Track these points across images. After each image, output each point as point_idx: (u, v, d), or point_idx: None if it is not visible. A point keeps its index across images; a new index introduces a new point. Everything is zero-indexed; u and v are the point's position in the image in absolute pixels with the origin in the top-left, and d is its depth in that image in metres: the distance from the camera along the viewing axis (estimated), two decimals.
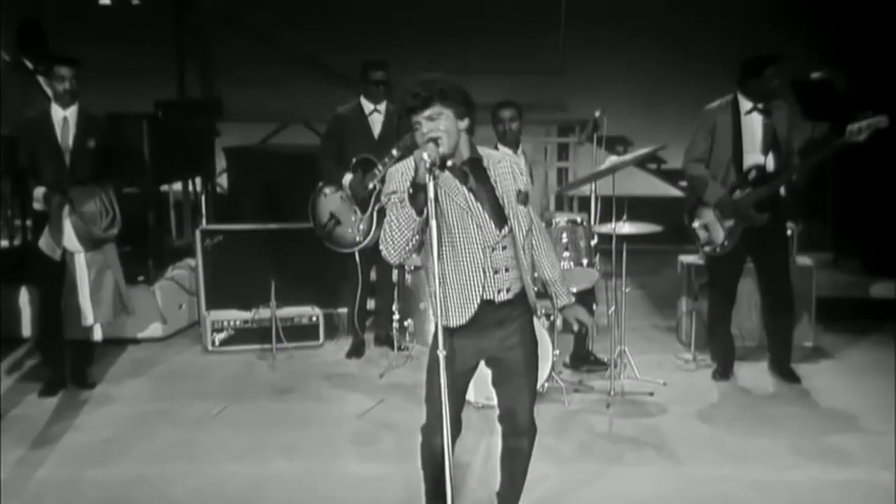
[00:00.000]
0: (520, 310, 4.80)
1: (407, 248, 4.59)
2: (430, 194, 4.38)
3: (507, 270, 4.69)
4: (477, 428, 6.38)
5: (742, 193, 7.38)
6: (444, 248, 4.65)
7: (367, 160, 7.96)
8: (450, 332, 4.68)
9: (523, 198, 4.74)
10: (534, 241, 4.87)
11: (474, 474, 6.01)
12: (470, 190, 4.65)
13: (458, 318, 4.70)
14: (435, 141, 4.51)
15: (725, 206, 7.41)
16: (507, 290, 4.70)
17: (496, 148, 7.70)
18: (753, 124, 7.40)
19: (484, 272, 4.66)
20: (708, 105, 7.59)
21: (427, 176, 4.38)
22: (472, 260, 4.66)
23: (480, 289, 4.67)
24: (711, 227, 7.53)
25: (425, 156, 4.39)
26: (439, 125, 4.55)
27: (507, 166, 4.76)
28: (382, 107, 8.21)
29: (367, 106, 8.21)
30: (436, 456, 4.92)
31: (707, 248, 7.63)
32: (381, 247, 4.64)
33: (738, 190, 7.41)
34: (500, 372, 4.87)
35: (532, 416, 4.95)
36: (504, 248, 4.68)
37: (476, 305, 4.68)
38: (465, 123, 4.63)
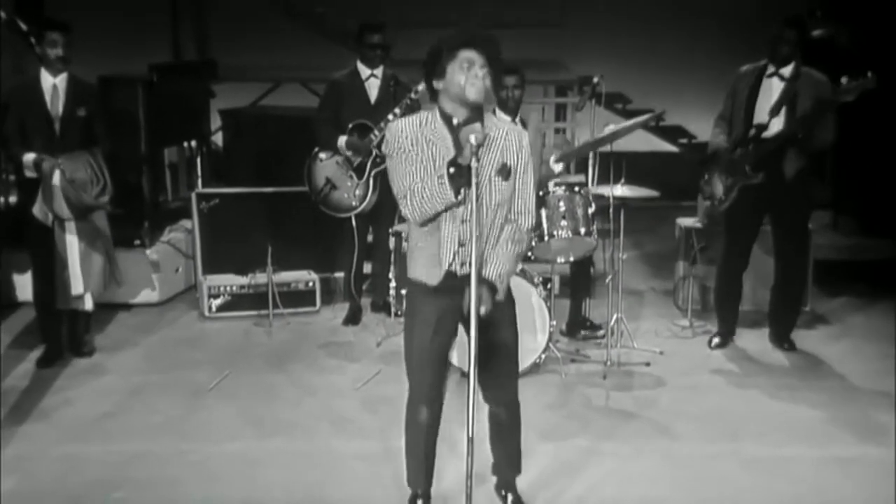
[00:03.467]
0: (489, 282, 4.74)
1: (434, 217, 4.64)
2: (475, 178, 4.36)
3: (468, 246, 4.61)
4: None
5: (742, 151, 7.37)
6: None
7: (364, 125, 7.93)
8: (424, 291, 4.75)
9: (505, 172, 4.65)
10: (508, 214, 4.81)
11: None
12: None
13: (430, 279, 4.75)
14: (482, 122, 4.54)
15: (725, 162, 7.45)
16: (469, 265, 4.58)
17: (494, 113, 7.68)
18: (772, 88, 7.38)
19: (452, 240, 4.68)
20: (742, 67, 7.59)
21: (472, 158, 4.35)
22: (450, 229, 4.68)
23: (448, 260, 4.70)
24: (714, 182, 7.58)
25: (472, 138, 4.35)
26: (487, 82, 4.57)
27: (501, 135, 4.71)
28: (379, 71, 8.14)
29: (364, 71, 8.14)
30: (422, 431, 5.01)
31: (707, 204, 7.68)
32: (402, 208, 4.65)
33: (739, 148, 7.40)
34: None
35: (515, 392, 5.01)
36: (465, 221, 4.62)
37: (442, 273, 4.72)
38: (489, 78, 4.62)
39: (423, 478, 5.19)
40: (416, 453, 5.13)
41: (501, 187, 4.69)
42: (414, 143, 4.64)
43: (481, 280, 4.67)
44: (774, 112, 7.31)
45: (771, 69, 7.39)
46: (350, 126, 8.00)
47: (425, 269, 4.77)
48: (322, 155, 8.14)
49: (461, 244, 4.69)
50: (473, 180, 4.35)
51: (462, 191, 4.50)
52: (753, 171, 7.33)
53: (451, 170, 4.49)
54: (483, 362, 4.79)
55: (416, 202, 4.59)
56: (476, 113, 4.63)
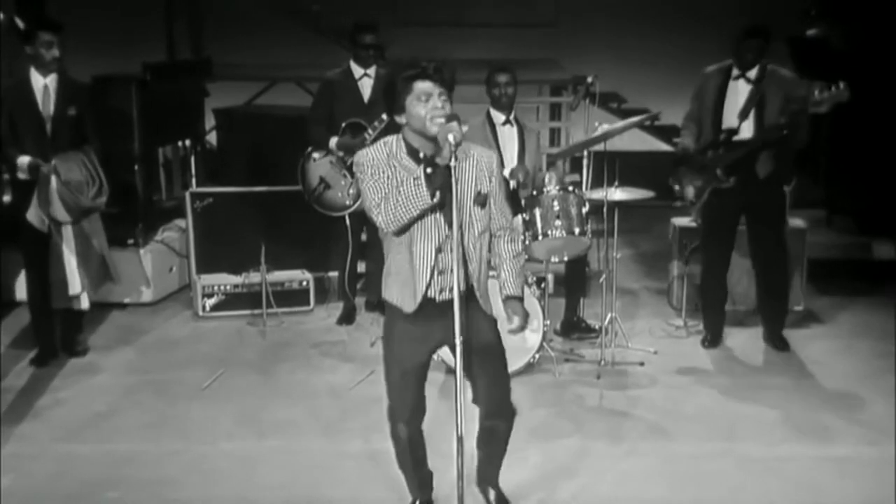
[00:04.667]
0: (470, 302, 4.72)
1: (407, 223, 4.55)
2: (454, 176, 4.32)
3: (452, 272, 4.51)
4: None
5: (713, 155, 7.39)
6: (400, 239, 4.63)
7: (357, 124, 7.93)
8: (401, 315, 4.72)
9: (482, 199, 4.65)
10: (493, 244, 4.83)
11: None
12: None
13: (405, 306, 4.70)
14: (458, 120, 4.43)
15: (695, 165, 7.48)
16: (449, 291, 4.61)
17: (489, 112, 7.70)
18: (739, 90, 7.39)
19: (431, 270, 4.63)
20: (707, 68, 7.58)
21: (451, 158, 4.30)
22: (423, 253, 4.62)
23: (424, 286, 4.64)
24: (684, 185, 7.59)
25: (451, 137, 4.30)
26: (447, 108, 4.50)
27: (472, 164, 4.67)
28: (372, 70, 8.14)
29: (357, 70, 8.14)
30: (405, 447, 5.01)
31: (678, 204, 7.72)
32: (376, 216, 4.56)
33: (710, 151, 7.44)
34: (466, 357, 4.74)
35: (508, 399, 4.97)
36: (451, 250, 4.52)
37: (419, 300, 4.66)
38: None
39: (418, 488, 5.20)
40: (406, 467, 5.14)
41: (480, 215, 4.68)
42: (384, 168, 4.58)
43: (512, 298, 4.79)
44: (743, 115, 7.32)
45: (737, 71, 7.39)
46: (343, 125, 7.99)
47: (399, 294, 4.71)
48: (315, 154, 8.13)
49: (440, 272, 4.65)
50: (454, 186, 4.30)
51: (437, 195, 4.42)
52: (725, 176, 7.36)
53: (429, 170, 4.43)
54: (474, 372, 4.83)
55: (391, 206, 4.49)
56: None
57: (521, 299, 4.91)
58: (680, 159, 7.64)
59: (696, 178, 7.50)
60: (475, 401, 4.96)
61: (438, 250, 4.62)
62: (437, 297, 4.68)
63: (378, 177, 4.57)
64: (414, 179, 4.45)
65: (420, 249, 4.62)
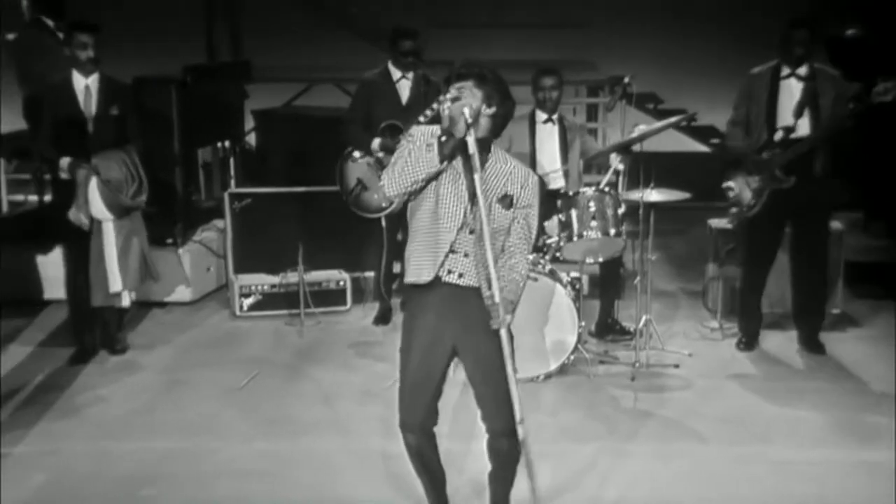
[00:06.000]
0: (477, 301, 4.70)
1: (409, 188, 4.63)
2: (472, 149, 4.47)
3: (465, 256, 4.67)
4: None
5: (769, 155, 7.36)
6: (428, 208, 4.70)
7: (394, 126, 7.95)
8: (417, 306, 4.76)
9: (507, 202, 4.71)
10: (505, 245, 4.79)
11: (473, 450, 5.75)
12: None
13: (417, 277, 4.73)
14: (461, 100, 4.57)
15: (751, 166, 7.42)
16: (459, 276, 4.68)
17: (533, 113, 7.73)
18: (791, 89, 7.36)
19: (450, 246, 4.68)
20: (752, 69, 7.56)
21: (465, 130, 4.46)
22: (444, 231, 4.68)
23: (439, 261, 4.68)
24: (740, 188, 7.52)
25: (466, 111, 4.47)
26: (465, 95, 4.59)
27: (508, 171, 4.74)
28: (410, 74, 8.18)
29: (395, 72, 8.19)
30: (416, 454, 4.98)
31: (734, 210, 7.64)
32: (383, 177, 4.67)
33: (765, 151, 7.39)
34: (470, 370, 4.84)
35: (508, 420, 4.75)
36: (470, 231, 4.66)
37: (432, 273, 4.69)
38: (491, 110, 4.66)
39: (433, 496, 5.18)
40: (419, 472, 5.10)
41: (500, 215, 4.71)
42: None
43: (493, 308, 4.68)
44: (798, 113, 7.28)
45: (786, 70, 7.36)
46: (381, 127, 8.02)
47: (417, 266, 4.73)
48: (356, 154, 8.16)
49: (453, 251, 4.69)
50: (473, 150, 4.45)
51: (445, 163, 4.56)
52: (786, 175, 7.32)
53: (443, 138, 4.54)
54: (478, 391, 4.83)
55: (398, 166, 4.60)
56: (483, 144, 4.65)
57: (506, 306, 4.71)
58: (733, 161, 7.58)
59: (754, 179, 7.45)
60: (481, 417, 4.92)
61: (458, 230, 4.67)
62: (444, 277, 4.71)
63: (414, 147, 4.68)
64: (427, 146, 4.57)
65: (443, 226, 4.68)
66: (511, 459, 4.92)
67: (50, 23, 8.77)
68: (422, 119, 7.59)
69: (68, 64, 7.41)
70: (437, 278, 4.71)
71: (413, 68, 8.16)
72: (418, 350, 4.79)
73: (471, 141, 4.47)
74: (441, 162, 4.55)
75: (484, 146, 4.68)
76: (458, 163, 4.68)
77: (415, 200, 4.76)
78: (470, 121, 4.47)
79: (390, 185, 4.63)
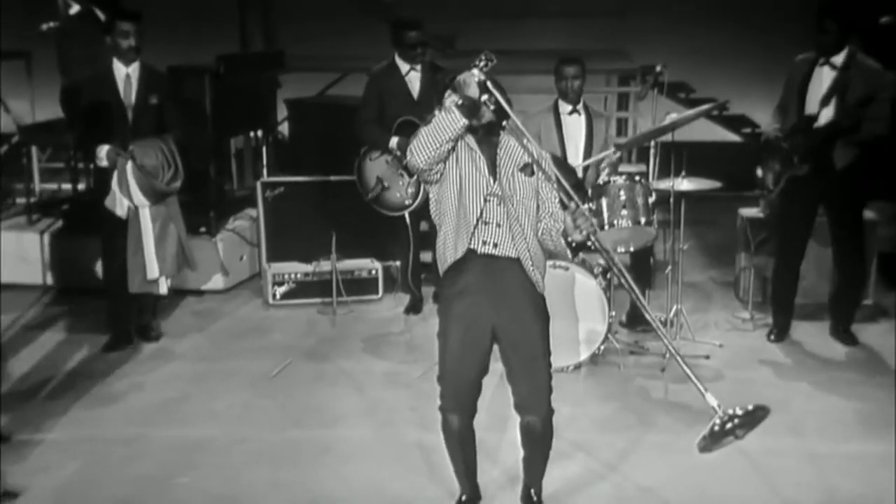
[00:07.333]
0: (514, 274, 4.75)
1: (436, 154, 4.61)
2: (500, 99, 4.57)
3: (498, 226, 4.71)
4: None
5: (792, 142, 7.38)
6: (452, 185, 4.73)
7: (409, 122, 7.83)
8: (453, 288, 4.77)
9: (529, 170, 4.76)
10: (541, 216, 4.82)
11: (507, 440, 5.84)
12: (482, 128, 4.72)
13: (452, 255, 4.74)
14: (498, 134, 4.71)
15: (772, 151, 7.47)
16: (494, 246, 4.72)
17: (556, 104, 7.70)
18: (822, 77, 7.33)
19: (477, 220, 4.71)
20: (798, 56, 7.55)
21: (478, 91, 4.54)
22: (471, 203, 4.71)
23: (470, 232, 4.71)
24: (765, 172, 7.57)
25: (476, 71, 4.55)
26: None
27: (523, 144, 4.80)
28: (418, 66, 8.14)
29: (403, 66, 8.14)
30: (455, 439, 5.01)
31: (759, 191, 7.71)
32: (410, 153, 4.68)
33: (790, 138, 7.40)
34: (506, 349, 4.83)
35: (545, 398, 4.85)
36: (499, 202, 4.71)
37: (465, 245, 4.72)
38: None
39: (466, 482, 5.21)
40: (455, 459, 5.13)
41: (525, 181, 4.75)
42: None
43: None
44: (825, 102, 7.25)
45: (822, 59, 7.34)
46: (396, 124, 7.98)
47: (452, 247, 4.74)
48: (372, 153, 8.15)
49: (485, 222, 4.72)
50: (502, 100, 4.56)
51: (472, 122, 4.60)
52: (801, 162, 7.31)
53: (459, 101, 4.57)
54: (513, 371, 4.85)
55: (423, 135, 4.62)
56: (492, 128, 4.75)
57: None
58: (763, 145, 7.62)
59: (776, 164, 7.47)
60: (514, 404, 4.94)
61: (485, 200, 4.71)
62: (479, 249, 4.73)
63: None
64: (446, 110, 4.61)
65: (469, 200, 4.71)
66: (541, 437, 4.96)
67: (102, 16, 8.79)
68: (437, 112, 7.55)
69: (109, 53, 7.47)
70: (472, 252, 4.73)
71: (421, 59, 8.12)
72: (456, 333, 4.79)
73: (497, 94, 4.56)
74: (467, 117, 4.56)
75: (493, 129, 4.74)
76: (472, 141, 4.73)
77: (437, 192, 4.79)
78: (482, 78, 4.53)
79: (418, 152, 4.63)
